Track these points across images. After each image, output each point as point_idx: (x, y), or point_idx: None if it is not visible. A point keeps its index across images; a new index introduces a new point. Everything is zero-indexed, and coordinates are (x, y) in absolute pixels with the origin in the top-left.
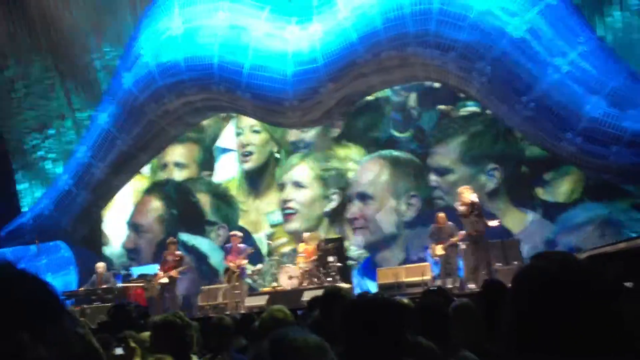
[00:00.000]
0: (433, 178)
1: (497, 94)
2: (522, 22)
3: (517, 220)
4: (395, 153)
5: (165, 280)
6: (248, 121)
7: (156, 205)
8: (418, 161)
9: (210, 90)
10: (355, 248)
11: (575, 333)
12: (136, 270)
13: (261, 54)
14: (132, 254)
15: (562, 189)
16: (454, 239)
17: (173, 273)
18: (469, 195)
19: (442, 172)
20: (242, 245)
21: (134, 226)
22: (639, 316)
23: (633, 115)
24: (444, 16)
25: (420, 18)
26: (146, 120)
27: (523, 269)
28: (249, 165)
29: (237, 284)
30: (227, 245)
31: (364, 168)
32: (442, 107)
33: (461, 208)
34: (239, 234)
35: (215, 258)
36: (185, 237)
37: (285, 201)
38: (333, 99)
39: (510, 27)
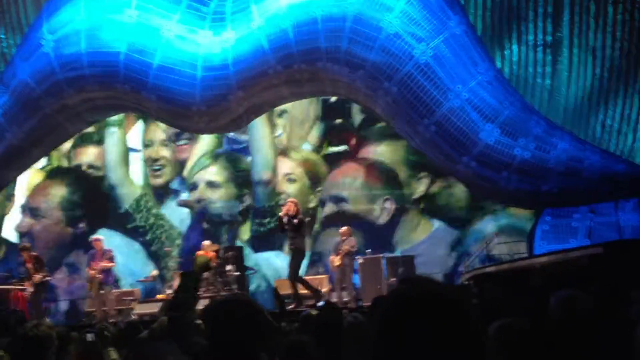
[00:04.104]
0: None
1: (401, 115)
2: (427, 48)
3: (424, 228)
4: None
5: (31, 289)
6: (158, 134)
7: (58, 190)
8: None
9: (114, 88)
10: None
11: (430, 357)
12: None
13: (171, 55)
14: (26, 238)
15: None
16: (345, 248)
17: (36, 279)
18: (288, 208)
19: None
20: (107, 249)
21: (31, 210)
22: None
23: (523, 144)
24: (355, 35)
25: (332, 35)
26: (41, 113)
27: (386, 295)
28: (159, 180)
29: (101, 291)
30: (91, 251)
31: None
32: None
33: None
34: (101, 237)
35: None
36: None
37: (199, 200)
38: (242, 107)
39: (417, 52)
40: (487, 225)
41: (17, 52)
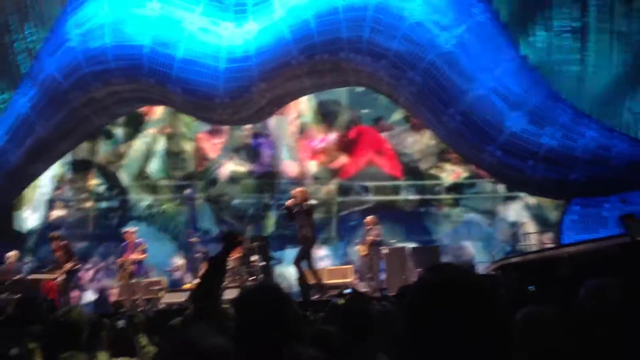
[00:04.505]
0: None
1: (425, 104)
2: (451, 36)
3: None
4: None
5: (62, 277)
6: (181, 127)
7: (87, 182)
8: None
9: (139, 81)
10: None
11: (457, 344)
12: None
13: (194, 48)
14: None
15: None
16: (369, 238)
17: (66, 268)
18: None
19: None
20: (139, 241)
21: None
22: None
23: (550, 132)
24: (377, 24)
25: (354, 24)
26: (69, 107)
27: (414, 283)
28: (179, 173)
29: (133, 281)
30: (123, 243)
31: None
32: None
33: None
34: (133, 229)
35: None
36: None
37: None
38: (264, 98)
39: (441, 40)
40: (515, 215)
41: (43, 46)
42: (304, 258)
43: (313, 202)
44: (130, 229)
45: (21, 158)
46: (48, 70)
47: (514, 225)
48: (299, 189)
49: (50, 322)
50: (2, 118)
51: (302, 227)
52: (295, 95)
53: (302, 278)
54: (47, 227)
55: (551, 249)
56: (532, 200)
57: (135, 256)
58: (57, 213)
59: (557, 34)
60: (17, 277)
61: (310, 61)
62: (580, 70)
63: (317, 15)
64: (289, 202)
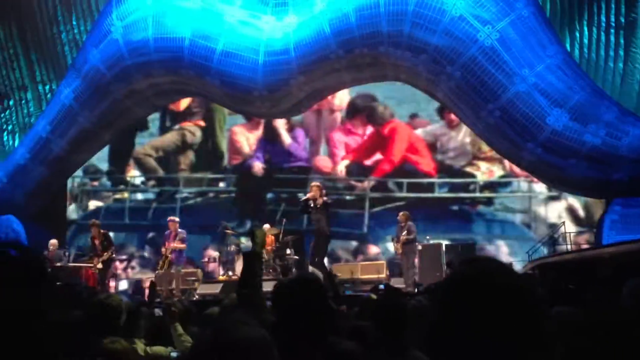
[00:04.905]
0: None
1: (464, 100)
2: (493, 31)
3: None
4: None
5: (100, 266)
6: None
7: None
8: None
9: (178, 73)
10: None
11: (490, 339)
12: None
13: (234, 41)
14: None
15: None
16: (402, 237)
17: (105, 257)
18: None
19: None
20: (180, 230)
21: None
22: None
23: (593, 130)
24: (418, 19)
25: (395, 18)
26: (111, 98)
27: (447, 275)
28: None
29: (171, 271)
30: (166, 232)
31: None
32: None
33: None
34: (176, 218)
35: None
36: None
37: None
38: (303, 91)
39: (482, 35)
40: (555, 215)
41: (88, 38)
42: (321, 254)
43: (328, 197)
44: (174, 217)
45: (64, 148)
46: (92, 62)
47: (552, 225)
48: (314, 184)
49: (91, 305)
50: (48, 108)
51: (318, 222)
52: (334, 89)
53: (330, 274)
54: (86, 217)
55: (591, 249)
56: (574, 200)
57: (175, 245)
58: (94, 203)
59: (602, 30)
60: (58, 264)
61: (349, 55)
62: (626, 68)
63: (357, 9)
64: (308, 195)
